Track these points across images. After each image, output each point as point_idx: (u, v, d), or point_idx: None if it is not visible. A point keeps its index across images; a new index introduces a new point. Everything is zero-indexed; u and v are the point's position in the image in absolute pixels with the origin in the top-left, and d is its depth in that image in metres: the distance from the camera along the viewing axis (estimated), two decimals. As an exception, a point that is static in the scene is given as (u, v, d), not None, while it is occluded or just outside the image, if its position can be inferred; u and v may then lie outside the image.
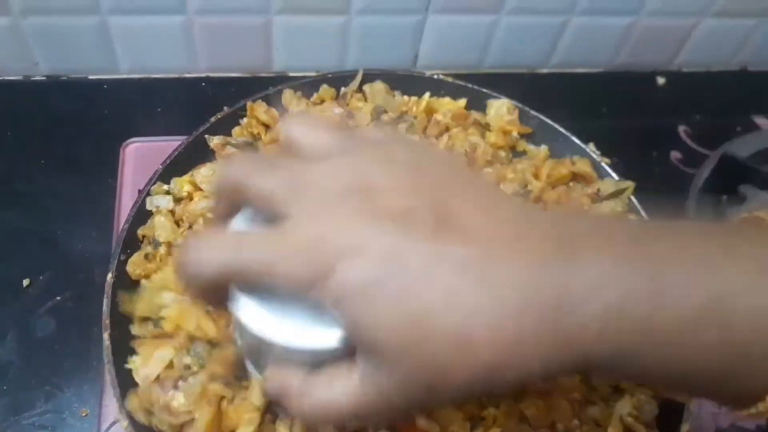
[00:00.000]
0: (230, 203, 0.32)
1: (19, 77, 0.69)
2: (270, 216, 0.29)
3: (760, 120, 0.74)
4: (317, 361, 0.31)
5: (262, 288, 0.30)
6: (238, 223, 0.32)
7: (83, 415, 0.50)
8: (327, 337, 0.30)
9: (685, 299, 0.26)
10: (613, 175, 0.57)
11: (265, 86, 0.61)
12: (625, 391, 0.45)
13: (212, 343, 0.46)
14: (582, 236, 0.27)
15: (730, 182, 0.60)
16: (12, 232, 0.59)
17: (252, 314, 0.30)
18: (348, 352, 0.30)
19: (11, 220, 0.60)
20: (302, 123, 0.33)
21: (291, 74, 0.72)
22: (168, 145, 0.56)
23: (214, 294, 0.31)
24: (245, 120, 0.59)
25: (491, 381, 0.27)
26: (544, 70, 0.78)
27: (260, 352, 0.35)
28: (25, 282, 0.56)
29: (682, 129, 0.72)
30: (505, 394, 0.43)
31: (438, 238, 0.27)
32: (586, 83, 0.78)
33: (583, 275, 0.26)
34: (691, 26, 0.75)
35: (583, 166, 0.57)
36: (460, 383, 0.27)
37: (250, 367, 0.41)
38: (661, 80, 0.79)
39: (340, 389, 0.30)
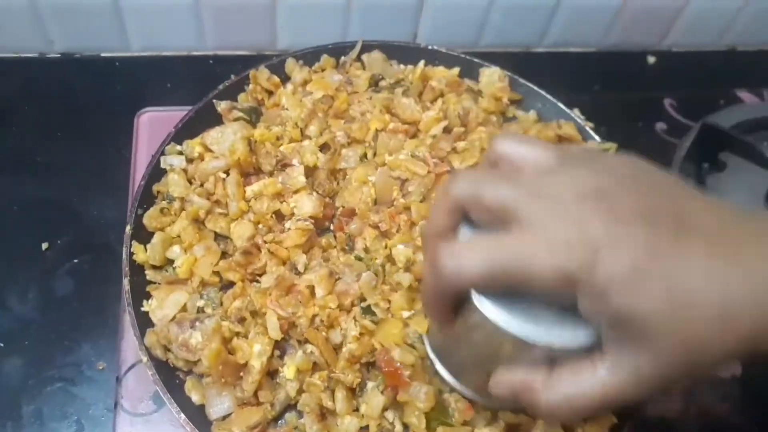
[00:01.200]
0: (454, 216, 0.35)
1: (35, 54, 0.73)
2: (495, 227, 0.32)
3: (743, 93, 0.77)
4: (552, 360, 0.34)
5: (502, 295, 0.33)
6: (464, 235, 0.35)
7: (100, 368, 0.54)
8: (572, 335, 0.33)
9: None
10: (596, 137, 0.60)
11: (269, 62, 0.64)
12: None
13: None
14: None
15: (711, 151, 0.63)
16: (31, 199, 0.62)
17: (502, 317, 0.33)
18: (585, 349, 0.33)
19: (30, 188, 0.63)
20: (519, 140, 0.36)
21: (298, 51, 0.75)
22: (180, 114, 0.59)
23: (453, 307, 0.35)
24: (250, 86, 0.62)
25: (746, 351, 0.30)
26: (539, 49, 0.81)
27: (493, 354, 0.37)
28: (44, 246, 0.59)
29: (667, 102, 0.75)
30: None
31: (682, 234, 0.30)
32: (578, 62, 0.80)
33: None
34: (681, 7, 0.78)
35: (568, 129, 0.60)
36: (717, 356, 0.31)
37: (445, 374, 0.44)
38: (651, 59, 0.81)
39: (588, 381, 0.33)
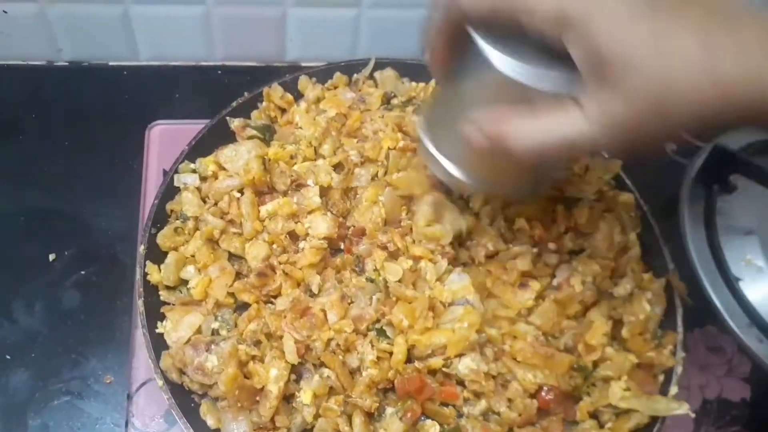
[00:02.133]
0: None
1: (43, 62, 0.72)
2: None
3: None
4: (531, 101, 0.36)
5: (502, 35, 0.35)
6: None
7: (107, 382, 0.53)
8: (558, 78, 0.35)
9: None
10: (604, 153, 0.61)
11: (278, 75, 0.64)
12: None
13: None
14: None
15: (721, 173, 0.63)
16: (38, 210, 0.62)
17: (490, 49, 0.36)
18: (565, 95, 0.34)
19: (37, 199, 0.63)
20: None
21: (303, 64, 0.75)
22: (191, 127, 0.59)
23: (455, 44, 0.37)
24: (263, 104, 0.62)
25: (721, 109, 0.32)
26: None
27: (478, 95, 0.39)
28: (51, 257, 0.59)
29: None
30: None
31: (677, 4, 0.32)
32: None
33: None
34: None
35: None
36: (692, 107, 0.32)
37: (429, 146, 0.45)
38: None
39: (561, 121, 0.34)
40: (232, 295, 0.50)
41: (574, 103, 0.34)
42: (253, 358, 0.47)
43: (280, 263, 0.51)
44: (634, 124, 0.33)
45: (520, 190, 0.50)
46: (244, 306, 0.50)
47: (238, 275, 0.52)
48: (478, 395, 0.47)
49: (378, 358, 0.46)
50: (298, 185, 0.54)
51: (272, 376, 0.44)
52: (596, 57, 0.33)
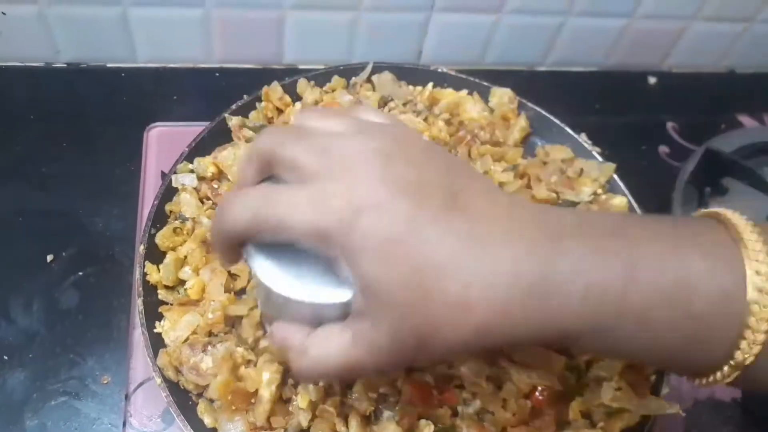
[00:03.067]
0: (260, 170, 0.34)
1: (41, 64, 0.72)
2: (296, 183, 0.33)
3: (743, 118, 0.78)
4: (320, 320, 0.34)
5: (277, 247, 0.33)
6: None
7: (104, 382, 0.53)
8: (331, 294, 0.33)
9: (654, 281, 0.30)
10: (598, 157, 0.61)
11: (276, 78, 0.65)
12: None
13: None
14: (567, 228, 0.32)
15: (713, 175, 0.64)
16: (36, 210, 0.62)
17: (266, 269, 0.34)
18: (344, 315, 0.33)
19: (35, 199, 0.63)
20: (318, 113, 0.36)
21: (301, 67, 0.75)
22: (190, 130, 0.60)
23: (236, 250, 0.35)
24: (261, 104, 0.62)
25: (477, 343, 0.31)
26: (542, 68, 0.81)
27: (273, 307, 0.37)
28: (49, 257, 0.59)
29: (670, 125, 0.76)
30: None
31: (448, 211, 0.30)
32: (581, 81, 0.81)
33: (566, 261, 0.30)
34: (682, 29, 0.79)
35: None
36: (449, 342, 0.31)
37: (266, 326, 0.44)
38: (652, 80, 0.83)
39: (334, 347, 0.33)
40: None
41: (349, 323, 0.33)
42: (249, 362, 0.47)
43: None
44: (397, 356, 0.32)
45: None
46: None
47: (231, 275, 0.52)
48: (474, 395, 0.48)
49: None
50: None
51: (265, 380, 0.45)
52: (357, 280, 0.31)
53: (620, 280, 0.30)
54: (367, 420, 0.46)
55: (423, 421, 0.46)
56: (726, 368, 0.31)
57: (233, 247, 0.35)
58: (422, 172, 0.31)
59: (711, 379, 0.32)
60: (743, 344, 0.30)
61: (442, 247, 0.29)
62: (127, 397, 0.52)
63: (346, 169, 0.31)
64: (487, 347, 0.33)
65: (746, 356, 0.30)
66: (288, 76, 0.65)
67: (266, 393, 0.44)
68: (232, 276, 0.53)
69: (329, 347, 0.33)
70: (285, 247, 0.33)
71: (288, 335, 0.35)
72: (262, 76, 0.66)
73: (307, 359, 0.34)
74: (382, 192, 0.30)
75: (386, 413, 0.46)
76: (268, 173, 0.34)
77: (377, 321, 0.31)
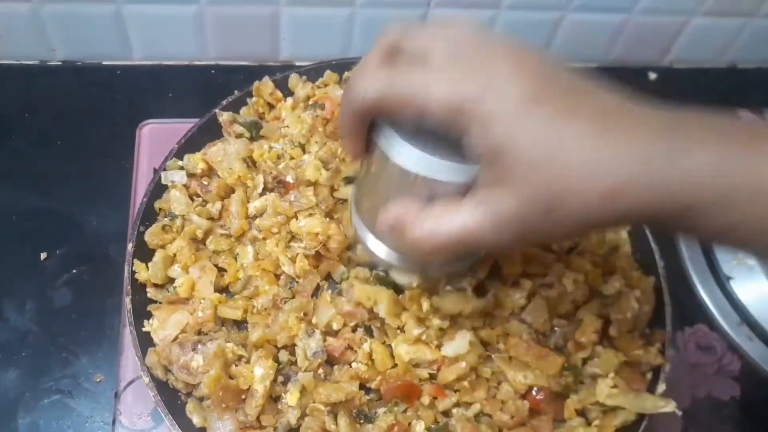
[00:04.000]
0: (385, 57, 0.35)
1: (36, 62, 0.72)
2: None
3: (744, 113, 0.77)
4: (429, 198, 0.36)
5: (405, 127, 0.35)
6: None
7: (98, 380, 0.53)
8: (452, 171, 0.34)
9: None
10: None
11: (271, 74, 0.64)
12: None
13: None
14: (684, 119, 0.33)
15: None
16: (30, 209, 0.62)
17: (397, 147, 0.35)
18: (462, 187, 0.34)
19: (29, 198, 0.63)
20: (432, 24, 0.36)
21: (297, 63, 0.75)
22: (182, 126, 0.59)
23: (362, 132, 0.37)
24: (252, 99, 0.62)
25: (602, 211, 0.31)
26: (540, 64, 0.81)
27: (391, 189, 0.38)
28: (43, 256, 0.59)
29: (670, 121, 0.75)
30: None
31: (574, 97, 0.32)
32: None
33: (687, 142, 0.31)
34: (682, 24, 0.78)
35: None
36: (575, 208, 0.31)
37: (362, 231, 0.44)
38: (653, 75, 0.82)
39: (453, 216, 0.34)
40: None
41: (469, 196, 0.34)
42: (240, 358, 0.47)
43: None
44: (522, 223, 0.33)
45: (437, 271, 0.49)
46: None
47: (221, 270, 0.52)
48: (469, 403, 0.48)
49: (370, 358, 0.46)
50: (279, 182, 0.54)
51: (258, 375, 0.44)
52: (487, 148, 0.32)
53: (742, 161, 0.30)
54: (360, 418, 0.46)
55: (414, 421, 0.46)
56: None
57: (361, 126, 0.37)
58: (548, 69, 0.33)
59: None
60: None
61: (574, 119, 0.31)
62: (117, 395, 0.52)
63: (474, 54, 0.32)
64: (608, 220, 0.32)
65: None
66: (282, 73, 0.64)
67: (260, 388, 0.44)
68: (221, 272, 0.52)
69: (448, 217, 0.34)
70: (409, 133, 0.35)
71: (402, 210, 0.36)
72: (257, 73, 0.65)
73: (424, 229, 0.35)
74: (511, 72, 0.32)
75: (380, 410, 0.46)
76: (392, 63, 0.35)
77: (504, 186, 0.32)
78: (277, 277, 0.52)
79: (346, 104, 0.36)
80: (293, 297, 0.50)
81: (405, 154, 0.35)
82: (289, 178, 0.54)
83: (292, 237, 0.53)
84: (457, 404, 0.48)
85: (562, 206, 0.31)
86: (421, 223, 0.35)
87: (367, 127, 0.37)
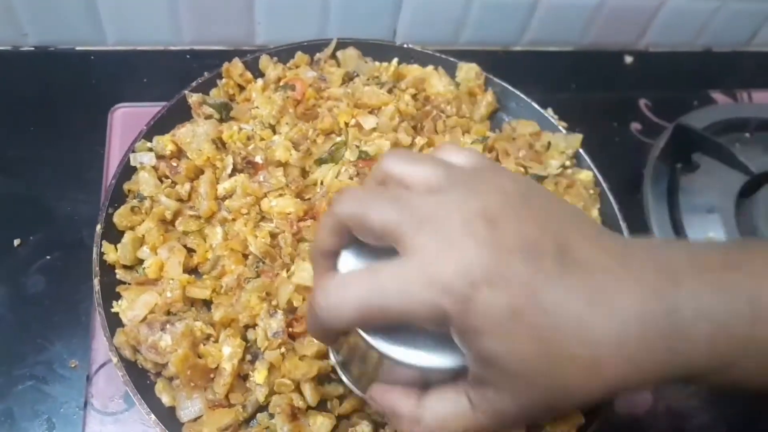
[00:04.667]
0: (342, 238, 0.33)
1: (8, 47, 0.71)
2: (381, 250, 0.31)
3: (716, 95, 0.78)
4: (427, 383, 0.34)
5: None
6: (347, 260, 0.34)
7: (72, 366, 0.53)
8: (444, 359, 0.32)
9: None
10: (562, 130, 0.61)
11: (245, 58, 0.64)
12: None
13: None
14: (683, 265, 0.31)
15: (684, 151, 0.63)
16: (2, 195, 0.61)
17: (375, 334, 0.33)
18: (455, 373, 0.32)
19: (2, 184, 0.62)
20: (407, 158, 0.33)
21: (272, 47, 0.74)
22: (153, 110, 0.59)
23: (334, 337, 0.35)
24: (223, 81, 0.61)
25: (606, 397, 0.31)
26: (517, 48, 0.81)
27: (372, 369, 0.36)
28: (16, 242, 0.59)
29: (642, 102, 0.75)
30: None
31: (563, 268, 0.29)
32: (556, 61, 0.81)
33: (689, 303, 0.29)
34: (658, 7, 0.78)
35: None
36: (578, 402, 0.31)
37: (345, 378, 0.42)
38: (628, 59, 0.82)
39: (452, 413, 0.33)
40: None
41: (466, 390, 0.32)
42: (208, 337, 0.47)
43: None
44: (526, 418, 0.33)
45: None
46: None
47: (190, 251, 0.52)
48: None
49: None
50: (248, 162, 0.54)
51: (226, 354, 0.45)
52: (478, 355, 0.30)
53: (746, 317, 0.30)
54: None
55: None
56: None
57: (333, 335, 0.35)
58: (528, 228, 0.30)
59: None
60: None
61: (564, 311, 0.29)
62: (88, 379, 0.52)
63: (450, 237, 0.29)
64: (614, 395, 0.33)
65: None
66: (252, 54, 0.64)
67: (227, 366, 0.44)
68: (190, 253, 0.52)
69: (446, 414, 0.33)
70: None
71: (395, 401, 0.34)
72: (232, 58, 0.65)
73: (423, 427, 0.33)
74: (493, 261, 0.29)
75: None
76: (347, 237, 0.33)
77: (501, 389, 0.31)
78: (245, 257, 0.52)
79: (318, 321, 0.32)
80: (258, 277, 0.50)
81: (387, 341, 0.33)
82: (259, 159, 0.54)
83: (262, 218, 0.53)
84: None
85: (563, 404, 0.31)
86: (421, 418, 0.33)
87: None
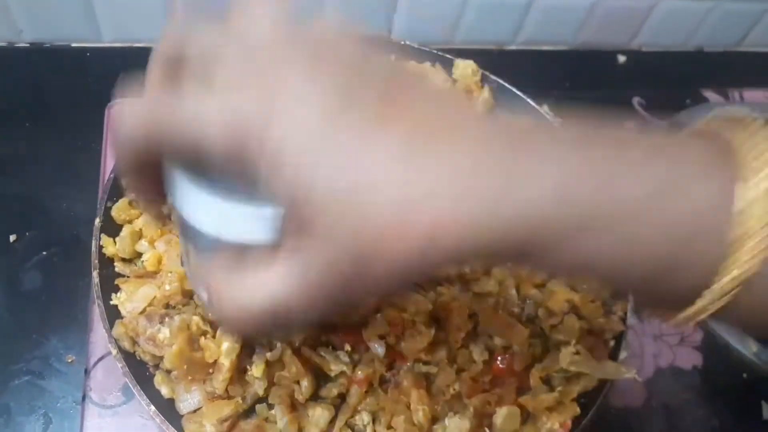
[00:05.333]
0: (166, 72, 0.28)
1: (3, 43, 0.71)
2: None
3: (709, 93, 0.79)
4: (243, 254, 0.28)
5: (196, 172, 0.27)
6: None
7: (69, 361, 0.53)
8: (256, 226, 0.27)
9: (630, 188, 0.25)
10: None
11: (243, 55, 0.64)
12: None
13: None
14: (527, 131, 0.26)
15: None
16: (-2, 193, 0.61)
17: (186, 199, 0.28)
18: (270, 251, 0.27)
19: (-2, 181, 0.62)
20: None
21: (269, 45, 0.74)
22: (150, 106, 0.59)
23: (145, 176, 0.29)
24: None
25: (423, 260, 0.25)
26: (512, 47, 0.81)
27: (191, 241, 0.31)
28: (12, 238, 0.59)
29: (636, 101, 0.76)
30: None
31: (384, 113, 0.25)
32: (551, 60, 0.81)
33: (526, 163, 0.25)
34: (650, 7, 0.79)
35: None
36: (391, 261, 0.25)
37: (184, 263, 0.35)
38: (621, 58, 0.83)
39: (258, 286, 0.27)
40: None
41: (276, 255, 0.27)
42: (206, 333, 0.47)
43: None
44: (333, 285, 0.26)
45: None
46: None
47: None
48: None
49: None
50: None
51: (224, 349, 0.45)
52: (282, 192, 0.25)
53: (590, 184, 0.25)
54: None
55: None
56: (705, 296, 0.25)
57: (143, 165, 0.29)
58: (353, 75, 0.25)
59: (684, 314, 0.27)
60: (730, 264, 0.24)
61: (376, 155, 0.24)
62: (86, 372, 0.52)
63: (265, 69, 0.25)
64: (433, 265, 0.26)
65: (733, 278, 0.25)
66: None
67: (226, 362, 0.44)
68: None
69: (253, 287, 0.27)
70: (212, 180, 0.27)
71: (207, 277, 0.29)
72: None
73: (228, 301, 0.28)
74: (305, 87, 0.24)
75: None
76: (173, 83, 0.27)
77: (305, 246, 0.25)
78: None
79: (115, 139, 0.28)
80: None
81: (192, 203, 0.28)
82: None
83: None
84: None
85: (374, 263, 0.25)
86: (227, 294, 0.27)
87: (157, 164, 0.29)
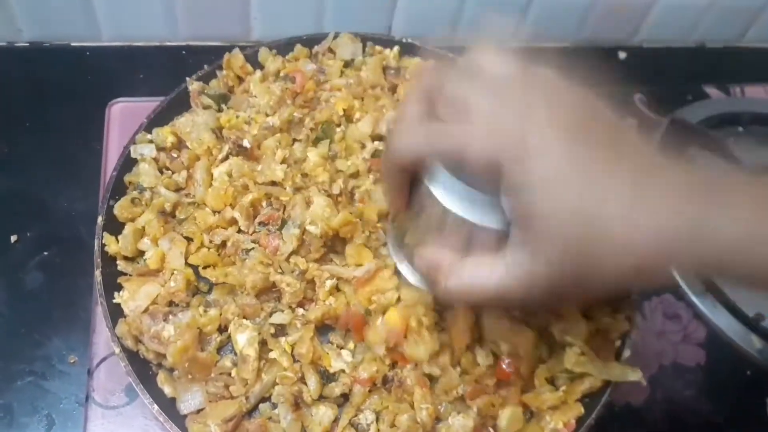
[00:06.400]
0: (424, 105, 0.36)
1: (3, 43, 0.71)
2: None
3: (710, 89, 0.79)
4: (472, 247, 0.36)
5: (452, 171, 0.36)
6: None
7: (71, 362, 0.53)
8: (494, 220, 0.35)
9: None
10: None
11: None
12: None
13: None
14: (717, 182, 0.33)
15: (679, 145, 0.64)
16: (-1, 191, 0.61)
17: (440, 189, 0.36)
18: (496, 242, 0.35)
19: (-1, 180, 0.62)
20: (484, 51, 0.37)
21: (271, 41, 0.74)
22: (151, 104, 0.59)
23: (404, 182, 0.38)
24: (223, 72, 0.62)
25: (632, 281, 0.34)
26: (512, 45, 0.81)
27: (428, 227, 0.39)
28: (13, 238, 0.58)
29: (637, 97, 0.76)
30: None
31: (613, 157, 0.32)
32: (552, 57, 0.80)
33: (724, 208, 0.31)
34: (651, 3, 0.79)
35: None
36: (607, 279, 0.32)
37: (394, 257, 0.46)
38: (622, 55, 0.83)
39: (486, 273, 0.35)
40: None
41: (503, 252, 0.35)
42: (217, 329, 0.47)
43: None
44: (551, 284, 0.33)
45: None
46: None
47: (189, 240, 0.52)
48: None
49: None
50: (239, 146, 0.55)
51: (242, 341, 0.45)
52: (520, 213, 0.33)
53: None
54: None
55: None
56: None
57: (404, 180, 0.38)
58: (589, 122, 0.33)
59: None
60: None
61: (610, 190, 0.31)
62: (89, 373, 0.52)
63: (514, 108, 0.33)
64: (641, 280, 0.35)
65: None
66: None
67: (251, 351, 0.45)
68: (189, 240, 0.52)
69: (481, 272, 0.35)
70: (455, 172, 0.36)
71: (439, 256, 0.37)
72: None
73: (456, 280, 0.36)
74: (551, 132, 0.32)
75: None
76: (430, 115, 0.36)
77: (537, 252, 0.32)
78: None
79: (388, 160, 0.38)
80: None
81: (448, 191, 0.36)
82: (246, 143, 0.54)
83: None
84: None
85: (592, 277, 0.32)
86: (456, 274, 0.36)
87: (410, 180, 0.38)
